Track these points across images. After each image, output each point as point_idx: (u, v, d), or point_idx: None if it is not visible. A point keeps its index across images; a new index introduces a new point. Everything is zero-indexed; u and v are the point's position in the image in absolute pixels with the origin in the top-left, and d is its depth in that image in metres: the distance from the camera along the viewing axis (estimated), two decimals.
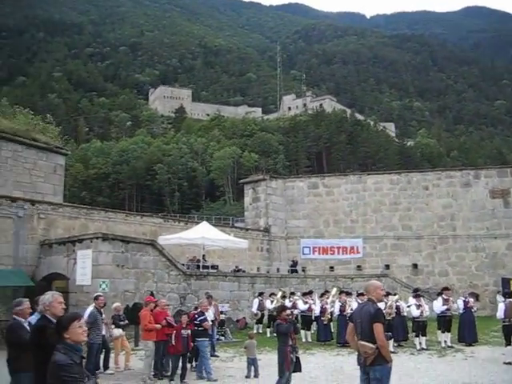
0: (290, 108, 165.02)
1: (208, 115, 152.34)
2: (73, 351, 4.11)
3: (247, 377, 12.27)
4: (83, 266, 19.45)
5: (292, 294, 21.40)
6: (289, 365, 9.87)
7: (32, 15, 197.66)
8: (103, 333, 12.57)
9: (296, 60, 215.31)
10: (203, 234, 23.53)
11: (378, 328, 6.66)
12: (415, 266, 32.19)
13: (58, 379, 4.01)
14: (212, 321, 15.26)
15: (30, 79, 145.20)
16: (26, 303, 7.29)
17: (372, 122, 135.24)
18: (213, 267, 24.70)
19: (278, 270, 31.48)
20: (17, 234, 21.49)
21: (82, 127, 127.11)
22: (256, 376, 12.28)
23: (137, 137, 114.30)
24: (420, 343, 16.79)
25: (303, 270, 31.54)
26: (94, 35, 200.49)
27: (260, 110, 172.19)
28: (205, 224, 26.14)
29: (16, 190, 26.00)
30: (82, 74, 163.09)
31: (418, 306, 17.09)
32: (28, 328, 6.58)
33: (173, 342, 11.99)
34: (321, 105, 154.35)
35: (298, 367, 10.20)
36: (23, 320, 7.05)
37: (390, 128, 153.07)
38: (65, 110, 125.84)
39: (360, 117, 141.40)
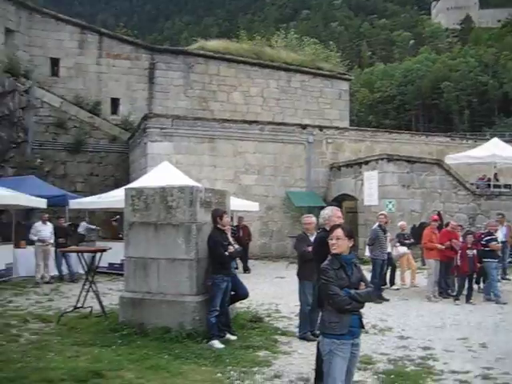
0: None
1: (499, 21, 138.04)
2: (337, 259, 4.45)
3: None
4: (370, 187, 20.27)
5: None
6: None
7: None
8: (388, 250, 12.92)
9: None
10: (494, 152, 22.33)
11: None
12: None
13: (319, 281, 4.54)
14: (503, 242, 14.48)
15: (313, 11, 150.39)
16: (311, 219, 8.01)
17: None
18: (506, 186, 23.18)
19: None
20: (308, 159, 23.29)
21: (364, 52, 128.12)
22: None
23: (421, 55, 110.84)
24: None
25: None
26: None
27: None
28: (496, 141, 24.60)
29: (305, 118, 28.15)
30: None
31: None
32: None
33: (458, 262, 11.80)
34: None
35: None
36: (309, 234, 7.80)
37: None
38: (347, 37, 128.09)
39: None
